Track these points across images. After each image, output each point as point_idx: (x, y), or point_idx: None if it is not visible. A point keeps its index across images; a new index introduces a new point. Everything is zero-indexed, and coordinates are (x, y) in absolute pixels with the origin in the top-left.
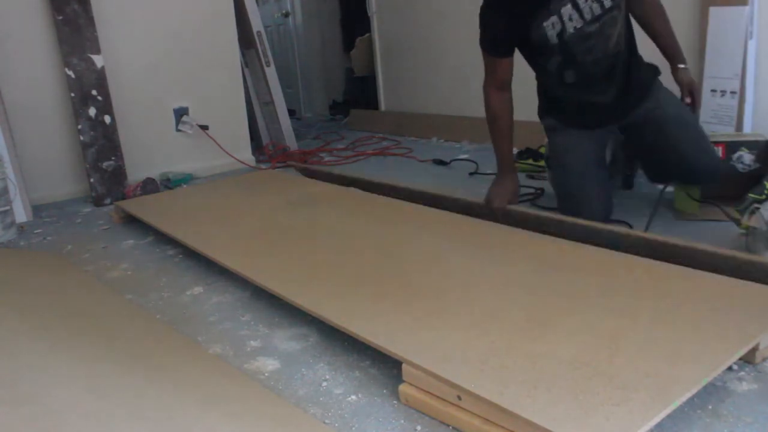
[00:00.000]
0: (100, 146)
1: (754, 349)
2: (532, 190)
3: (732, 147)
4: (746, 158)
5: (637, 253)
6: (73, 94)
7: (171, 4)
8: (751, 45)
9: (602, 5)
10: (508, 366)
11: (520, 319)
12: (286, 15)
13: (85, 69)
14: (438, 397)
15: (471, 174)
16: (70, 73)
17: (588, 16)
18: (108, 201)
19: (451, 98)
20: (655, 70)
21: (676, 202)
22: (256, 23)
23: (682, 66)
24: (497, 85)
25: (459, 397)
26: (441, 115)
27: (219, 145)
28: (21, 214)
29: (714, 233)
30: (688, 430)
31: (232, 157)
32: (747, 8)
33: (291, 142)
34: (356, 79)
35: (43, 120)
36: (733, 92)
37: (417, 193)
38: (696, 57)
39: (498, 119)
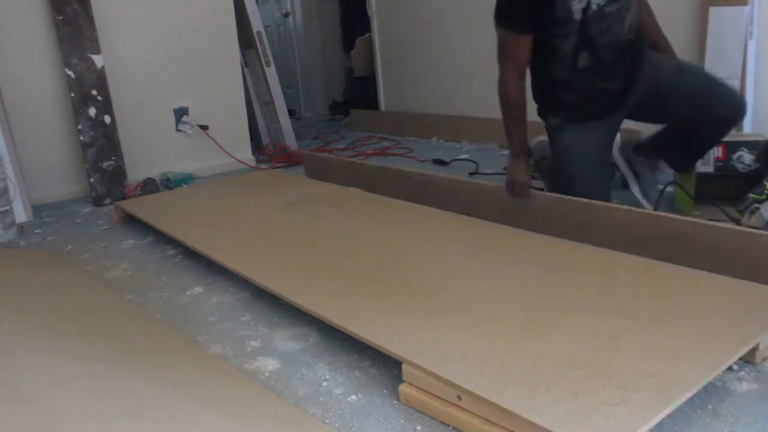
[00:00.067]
0: (100, 146)
1: (754, 349)
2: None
3: (732, 147)
4: (746, 158)
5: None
6: (73, 94)
7: (171, 4)
8: (751, 45)
9: None
10: (508, 366)
11: (520, 319)
12: (286, 15)
13: (85, 69)
14: (438, 397)
15: (471, 174)
16: (70, 73)
17: None
18: (108, 201)
19: (451, 98)
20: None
21: (677, 202)
22: (256, 23)
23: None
24: (515, 67)
25: (459, 397)
26: (441, 115)
27: (219, 145)
28: (21, 214)
29: None
30: (688, 430)
31: (232, 157)
32: (747, 8)
33: (291, 142)
34: (356, 79)
35: (43, 120)
36: None
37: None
38: (696, 57)
39: (514, 103)
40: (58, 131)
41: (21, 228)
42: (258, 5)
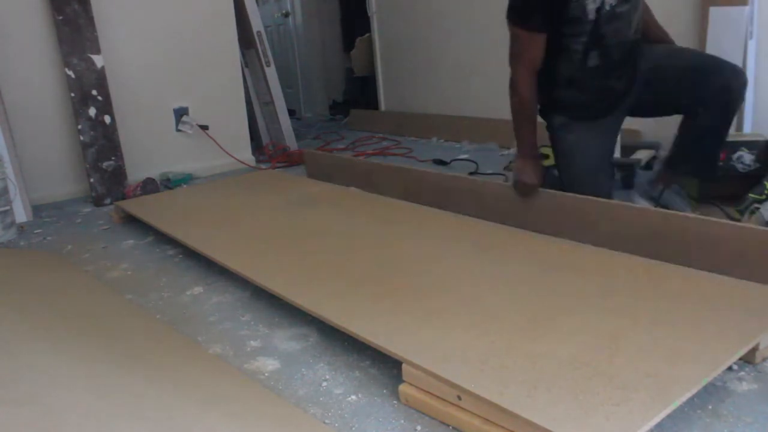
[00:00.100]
0: (100, 146)
1: (754, 349)
2: None
3: (732, 147)
4: (746, 158)
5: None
6: (73, 94)
7: (171, 4)
8: (751, 45)
9: None
10: (508, 366)
11: (520, 319)
12: (286, 15)
13: (85, 69)
14: (438, 397)
15: (471, 174)
16: (70, 73)
17: None
18: (108, 201)
19: (451, 98)
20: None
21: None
22: (256, 23)
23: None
24: (528, 67)
25: (459, 397)
26: (441, 115)
27: (219, 145)
28: (21, 214)
29: None
30: (688, 430)
31: (232, 157)
32: (747, 8)
33: (291, 142)
34: (356, 79)
35: (43, 120)
36: None
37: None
38: None
39: (526, 104)
40: (58, 131)
41: (21, 228)
42: (258, 5)
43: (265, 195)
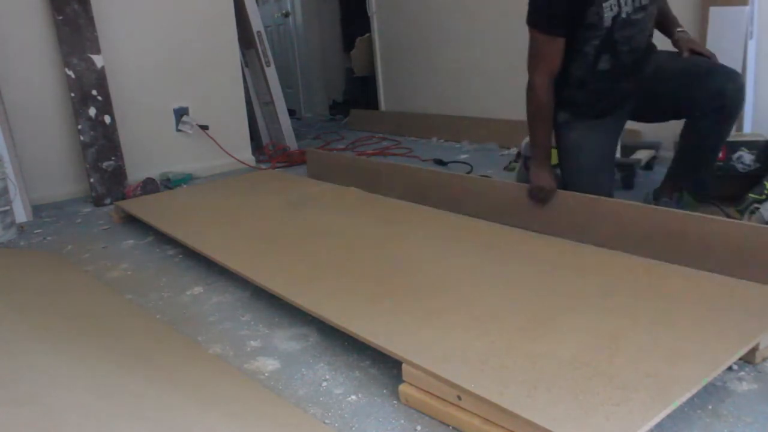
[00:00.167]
0: (100, 146)
1: (754, 349)
2: None
3: (732, 147)
4: (746, 158)
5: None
6: (73, 94)
7: (171, 4)
8: (751, 45)
9: None
10: (508, 366)
11: (520, 319)
12: (286, 15)
13: (85, 69)
14: (438, 397)
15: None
16: (70, 73)
17: (638, 4)
18: (108, 201)
19: (451, 98)
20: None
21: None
22: (256, 23)
23: (680, 29)
24: (548, 70)
25: (459, 397)
26: (441, 115)
27: (219, 145)
28: (21, 214)
29: None
30: (688, 430)
31: (232, 157)
32: (747, 8)
33: (291, 142)
34: (356, 79)
35: (43, 120)
36: None
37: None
38: None
39: (544, 107)
40: (58, 131)
41: (21, 228)
42: (258, 5)
43: (265, 195)
